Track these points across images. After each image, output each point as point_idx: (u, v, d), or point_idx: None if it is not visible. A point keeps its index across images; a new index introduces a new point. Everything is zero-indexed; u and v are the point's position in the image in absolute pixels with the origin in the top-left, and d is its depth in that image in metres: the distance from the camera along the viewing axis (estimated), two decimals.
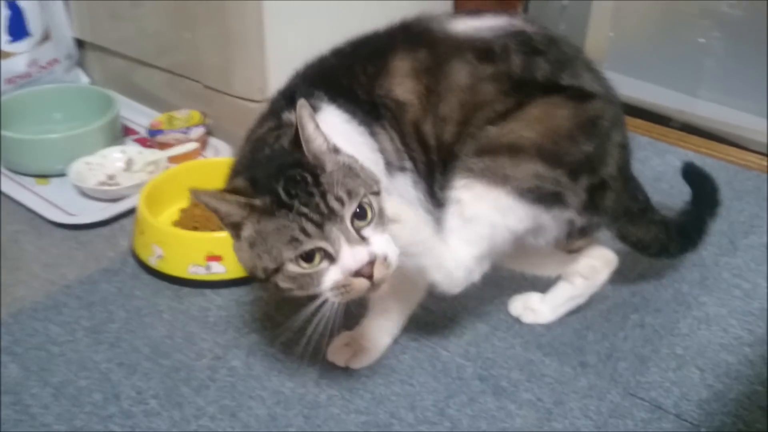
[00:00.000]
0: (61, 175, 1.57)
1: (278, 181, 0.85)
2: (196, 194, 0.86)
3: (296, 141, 0.86)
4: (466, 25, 1.04)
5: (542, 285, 1.24)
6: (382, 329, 1.15)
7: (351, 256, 0.85)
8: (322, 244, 0.84)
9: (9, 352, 1.15)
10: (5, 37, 1.76)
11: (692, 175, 1.29)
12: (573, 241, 1.12)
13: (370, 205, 0.87)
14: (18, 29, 1.78)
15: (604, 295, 1.27)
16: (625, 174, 1.10)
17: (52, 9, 1.87)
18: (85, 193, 1.53)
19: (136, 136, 1.76)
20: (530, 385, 1.11)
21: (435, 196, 1.05)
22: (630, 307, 1.26)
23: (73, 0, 1.90)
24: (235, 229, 0.89)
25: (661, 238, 1.18)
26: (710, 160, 1.67)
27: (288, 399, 1.08)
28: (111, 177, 1.57)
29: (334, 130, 0.92)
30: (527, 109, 0.99)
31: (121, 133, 1.72)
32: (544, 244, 1.08)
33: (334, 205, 0.84)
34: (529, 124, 0.99)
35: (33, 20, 1.80)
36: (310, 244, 0.84)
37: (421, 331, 1.20)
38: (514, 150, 0.98)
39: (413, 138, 1.02)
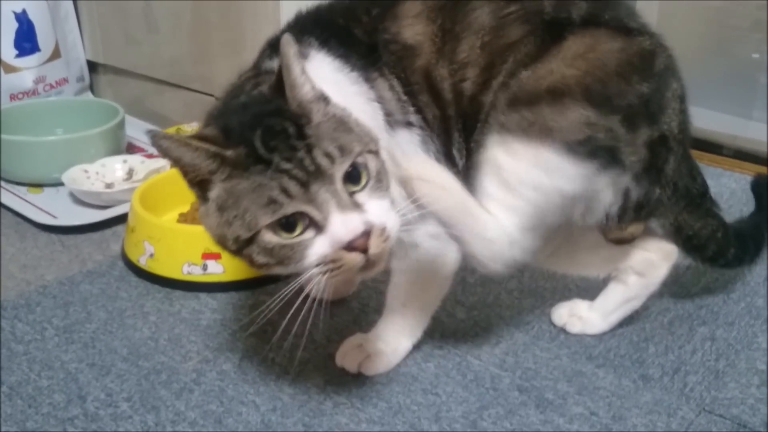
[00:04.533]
0: (57, 184, 1.44)
1: (254, 131, 0.70)
2: (154, 137, 0.69)
3: (278, 86, 0.72)
4: None
5: (590, 295, 1.06)
6: (402, 329, 0.96)
7: (342, 225, 0.69)
8: (307, 208, 0.69)
9: None
10: (11, 50, 1.68)
11: (761, 188, 1.12)
12: (626, 223, 0.94)
13: (366, 166, 0.71)
14: (26, 43, 1.70)
15: (665, 308, 1.09)
16: (686, 139, 0.93)
17: (65, 28, 1.80)
18: (79, 200, 1.39)
19: (142, 153, 1.64)
20: (581, 398, 0.91)
21: (453, 161, 0.89)
22: (697, 319, 1.07)
23: (86, 21, 1.84)
24: (201, 188, 0.74)
25: (719, 238, 0.99)
26: None
27: (286, 405, 0.89)
28: (109, 185, 1.44)
29: (324, 80, 0.77)
30: (566, 45, 0.84)
31: (125, 146, 1.60)
32: (594, 223, 0.91)
33: (322, 161, 0.69)
34: (571, 62, 0.83)
35: (43, 36, 1.72)
36: (291, 207, 0.68)
37: (448, 339, 1.02)
38: (556, 94, 0.82)
39: (423, 88, 0.87)
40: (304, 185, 0.68)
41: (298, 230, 0.70)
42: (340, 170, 0.70)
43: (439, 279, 0.94)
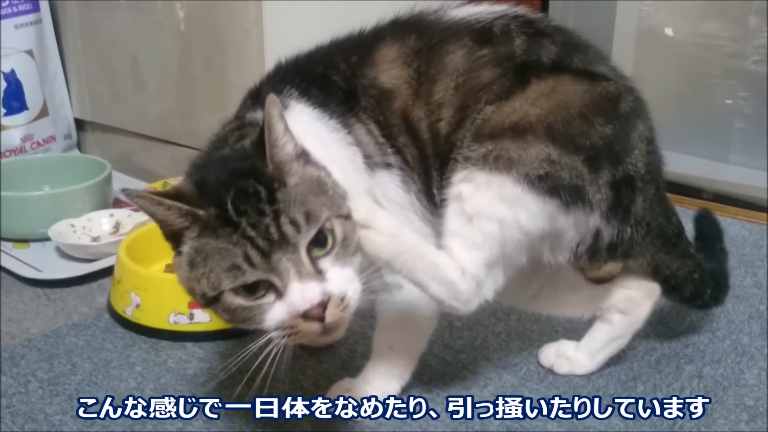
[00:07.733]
0: (43, 239, 1.44)
1: (228, 191, 0.72)
2: (129, 195, 0.72)
3: (259, 143, 0.73)
4: (461, 11, 0.93)
5: (576, 336, 1.07)
6: (390, 373, 0.96)
7: (299, 294, 0.70)
8: (268, 276, 0.70)
9: None
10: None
11: (703, 222, 1.15)
12: (599, 262, 0.94)
13: (333, 232, 0.73)
14: (14, 102, 1.72)
15: (651, 347, 1.09)
16: (657, 180, 0.94)
17: (53, 87, 1.83)
18: (65, 254, 1.39)
19: (130, 207, 1.64)
20: None
21: (434, 201, 0.91)
22: (683, 358, 1.07)
23: (74, 80, 1.86)
24: (175, 240, 0.75)
25: (695, 278, 1.01)
26: (750, 226, 1.53)
27: None
28: (96, 239, 1.44)
29: (304, 130, 0.79)
30: (531, 86, 0.87)
31: (112, 201, 1.60)
32: (564, 261, 0.92)
33: (287, 230, 0.70)
34: (535, 101, 0.86)
35: (31, 95, 1.75)
36: (252, 275, 0.70)
37: (436, 382, 1.02)
38: (519, 130, 0.84)
39: (402, 129, 0.89)
40: (266, 255, 0.70)
41: (259, 293, 0.72)
42: (304, 239, 0.71)
43: (424, 319, 0.94)
